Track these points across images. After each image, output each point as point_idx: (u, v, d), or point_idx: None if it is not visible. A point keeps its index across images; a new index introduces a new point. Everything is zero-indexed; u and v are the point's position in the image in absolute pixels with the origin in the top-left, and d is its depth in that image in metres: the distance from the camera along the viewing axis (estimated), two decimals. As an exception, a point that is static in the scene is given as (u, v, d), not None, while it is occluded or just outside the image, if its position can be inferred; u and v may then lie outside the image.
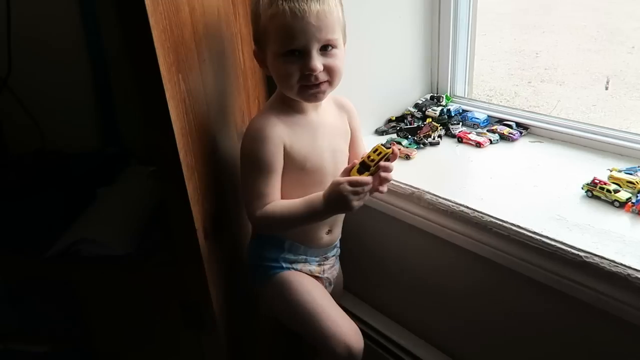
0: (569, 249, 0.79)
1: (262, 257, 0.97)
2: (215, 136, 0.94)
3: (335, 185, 0.82)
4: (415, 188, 1.00)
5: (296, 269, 0.96)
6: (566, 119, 1.15)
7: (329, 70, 0.84)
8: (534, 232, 0.83)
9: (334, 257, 1.04)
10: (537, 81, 2.67)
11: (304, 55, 0.82)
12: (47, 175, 1.20)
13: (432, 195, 0.97)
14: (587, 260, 0.77)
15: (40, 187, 1.14)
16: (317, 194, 0.85)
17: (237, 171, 1.04)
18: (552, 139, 1.14)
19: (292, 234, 0.95)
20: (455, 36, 1.27)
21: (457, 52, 1.29)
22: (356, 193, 0.81)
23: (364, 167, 0.83)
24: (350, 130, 0.99)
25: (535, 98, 2.52)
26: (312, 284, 0.96)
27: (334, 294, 1.01)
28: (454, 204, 0.94)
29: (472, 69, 1.33)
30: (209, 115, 0.91)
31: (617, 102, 2.32)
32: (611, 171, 0.94)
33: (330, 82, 0.86)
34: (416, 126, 1.20)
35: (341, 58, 0.86)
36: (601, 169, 0.96)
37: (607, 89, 2.10)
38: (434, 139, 1.16)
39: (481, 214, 0.90)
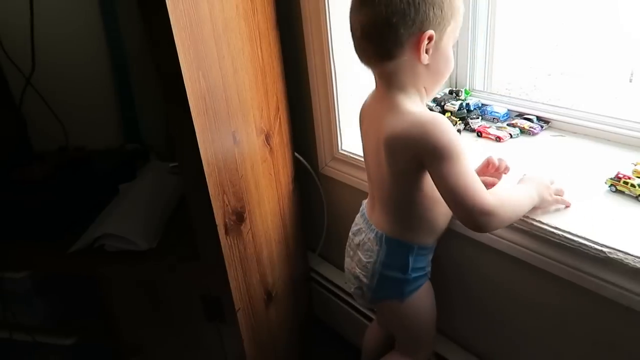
0: (592, 245, 0.78)
1: (407, 268, 0.92)
2: (235, 132, 0.95)
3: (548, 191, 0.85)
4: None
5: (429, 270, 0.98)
6: (588, 112, 1.12)
7: None
8: (556, 228, 0.82)
9: None
10: (557, 73, 2.62)
11: None
12: (70, 171, 1.22)
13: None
14: (611, 256, 0.76)
15: (64, 184, 1.17)
16: (530, 187, 0.84)
17: (257, 166, 1.05)
18: (574, 132, 1.12)
19: (424, 235, 0.93)
20: (474, 30, 1.25)
21: (475, 46, 1.27)
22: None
23: None
24: None
25: (556, 90, 2.47)
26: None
27: None
28: (474, 199, 0.93)
29: (491, 62, 1.31)
30: (228, 111, 0.92)
31: (641, 93, 2.26)
32: (635, 165, 0.92)
33: None
34: (435, 120, 1.19)
35: None
36: (625, 162, 0.94)
37: (631, 81, 2.05)
38: (453, 133, 1.15)
39: (502, 209, 0.89)
